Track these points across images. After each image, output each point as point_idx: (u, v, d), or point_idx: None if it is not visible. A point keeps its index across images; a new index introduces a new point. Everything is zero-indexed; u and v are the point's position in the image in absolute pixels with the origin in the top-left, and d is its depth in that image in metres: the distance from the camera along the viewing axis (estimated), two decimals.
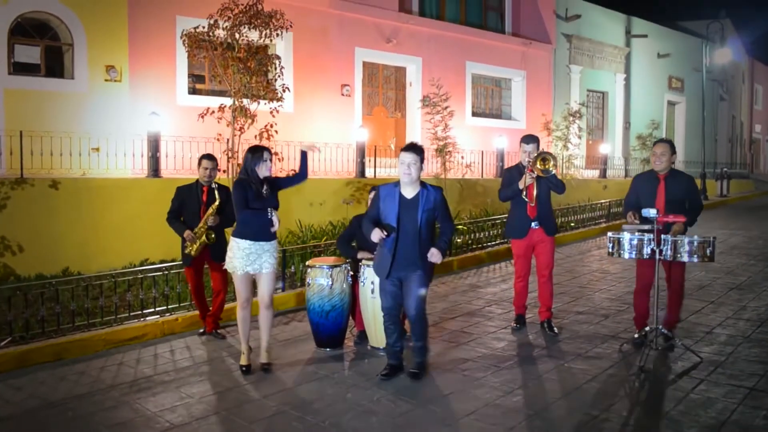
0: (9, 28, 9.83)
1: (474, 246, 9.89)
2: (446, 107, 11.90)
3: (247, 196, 4.70)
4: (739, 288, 7.25)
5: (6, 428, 3.96)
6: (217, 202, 5.52)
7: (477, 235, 10.08)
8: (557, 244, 10.81)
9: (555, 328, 5.66)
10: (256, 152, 4.81)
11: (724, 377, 4.43)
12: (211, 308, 5.94)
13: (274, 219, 4.74)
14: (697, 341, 5.23)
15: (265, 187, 4.79)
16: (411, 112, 15.37)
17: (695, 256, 4.53)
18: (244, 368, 4.84)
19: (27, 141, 8.89)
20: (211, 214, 5.51)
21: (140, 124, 10.15)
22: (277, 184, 4.98)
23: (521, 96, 17.50)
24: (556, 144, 16.14)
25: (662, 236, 4.66)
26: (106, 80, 10.66)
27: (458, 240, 9.87)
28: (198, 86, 12.07)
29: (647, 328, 5.01)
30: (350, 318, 5.69)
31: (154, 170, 9.86)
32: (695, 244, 4.51)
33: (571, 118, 15.84)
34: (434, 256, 4.47)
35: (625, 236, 4.78)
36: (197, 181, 5.77)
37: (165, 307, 6.20)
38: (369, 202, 5.39)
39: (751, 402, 3.98)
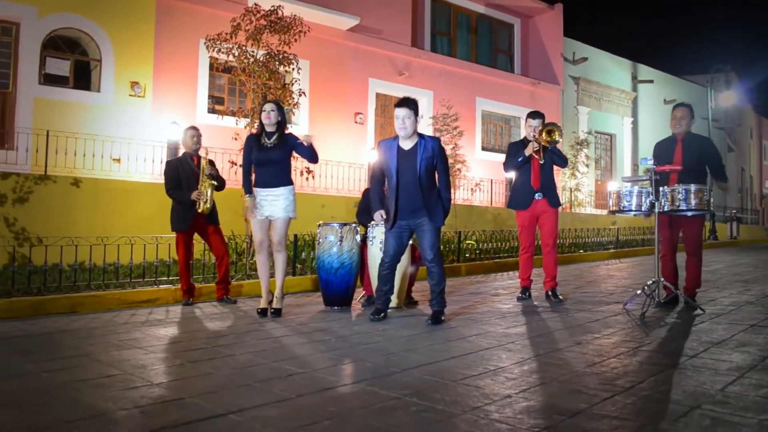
0: (42, 42, 10.43)
1: (483, 256, 10.03)
2: (455, 127, 12.23)
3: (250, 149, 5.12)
4: (744, 281, 7.28)
5: (20, 343, 4.08)
6: (208, 159, 5.93)
7: (486, 245, 10.22)
8: (567, 262, 10.97)
9: (560, 296, 5.73)
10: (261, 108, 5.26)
11: (725, 320, 4.48)
12: (217, 275, 6.09)
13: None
14: (701, 304, 5.27)
15: (273, 138, 5.06)
16: None
17: (693, 203, 4.64)
18: (259, 311, 5.01)
19: (53, 141, 9.32)
20: (205, 165, 5.83)
21: (161, 135, 10.60)
22: (290, 141, 5.20)
23: None
24: (564, 172, 16.36)
25: (660, 188, 4.80)
26: (130, 95, 11.17)
27: (467, 254, 10.02)
28: (217, 107, 12.57)
29: (652, 282, 4.99)
30: (359, 283, 5.81)
31: None
32: (692, 190, 4.64)
33: (578, 146, 16.12)
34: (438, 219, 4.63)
35: (624, 188, 4.92)
36: (184, 153, 6.07)
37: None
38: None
39: (752, 331, 4.03)
